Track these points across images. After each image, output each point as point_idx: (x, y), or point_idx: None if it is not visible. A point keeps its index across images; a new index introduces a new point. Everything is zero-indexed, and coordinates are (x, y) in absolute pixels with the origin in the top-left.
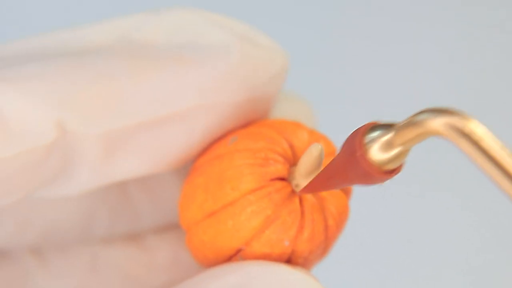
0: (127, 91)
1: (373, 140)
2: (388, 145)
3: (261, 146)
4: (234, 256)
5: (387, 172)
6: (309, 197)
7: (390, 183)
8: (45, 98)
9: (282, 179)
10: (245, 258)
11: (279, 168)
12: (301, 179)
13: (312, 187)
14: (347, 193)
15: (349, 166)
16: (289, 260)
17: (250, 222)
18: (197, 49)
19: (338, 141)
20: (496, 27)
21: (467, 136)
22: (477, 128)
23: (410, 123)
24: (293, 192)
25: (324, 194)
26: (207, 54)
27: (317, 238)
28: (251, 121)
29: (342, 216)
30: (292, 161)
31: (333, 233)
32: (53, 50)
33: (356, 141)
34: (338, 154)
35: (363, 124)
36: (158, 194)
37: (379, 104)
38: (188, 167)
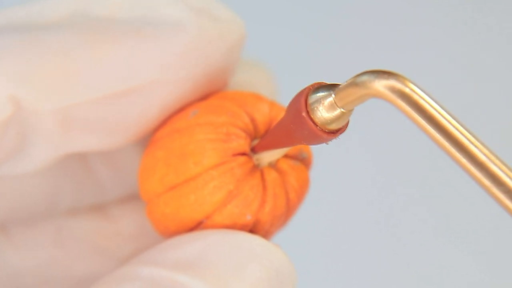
0: (82, 66)
1: (317, 101)
2: (331, 106)
3: (222, 121)
4: (195, 228)
5: (331, 131)
6: (271, 172)
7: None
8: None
9: (244, 153)
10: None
11: (241, 143)
12: (264, 154)
13: (262, 146)
14: (307, 165)
15: (295, 125)
16: (251, 232)
17: (212, 197)
18: (154, 23)
19: None
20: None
21: (406, 97)
22: (416, 89)
23: (351, 84)
24: (255, 166)
25: (286, 168)
26: (163, 28)
27: (278, 211)
28: (209, 93)
29: (303, 189)
30: (254, 135)
31: (294, 205)
32: (8, 25)
33: (301, 101)
34: (285, 113)
35: (307, 85)
36: (120, 165)
37: (375, 107)
38: (148, 139)
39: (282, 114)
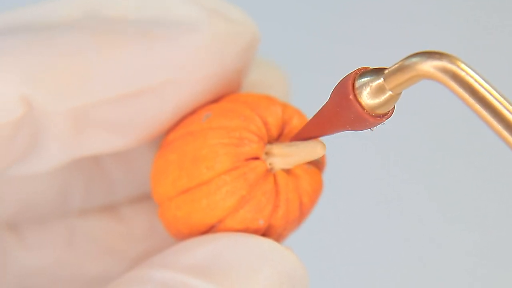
0: (95, 66)
1: (364, 85)
2: (379, 90)
3: (235, 125)
4: (207, 231)
5: (379, 116)
6: (284, 176)
7: None
8: (11, 74)
9: (256, 158)
10: None
11: (254, 148)
12: (277, 159)
13: (302, 134)
14: (320, 168)
15: (341, 110)
16: (263, 236)
17: (225, 202)
18: (167, 24)
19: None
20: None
21: (459, 78)
22: (468, 70)
23: (400, 67)
24: (268, 171)
25: (299, 172)
26: (176, 29)
27: (291, 215)
28: (223, 94)
29: (316, 193)
30: (266, 139)
31: (307, 209)
32: (20, 25)
33: (349, 85)
34: (329, 99)
35: (353, 70)
36: (132, 165)
37: None
38: (161, 139)
39: (295, 116)
